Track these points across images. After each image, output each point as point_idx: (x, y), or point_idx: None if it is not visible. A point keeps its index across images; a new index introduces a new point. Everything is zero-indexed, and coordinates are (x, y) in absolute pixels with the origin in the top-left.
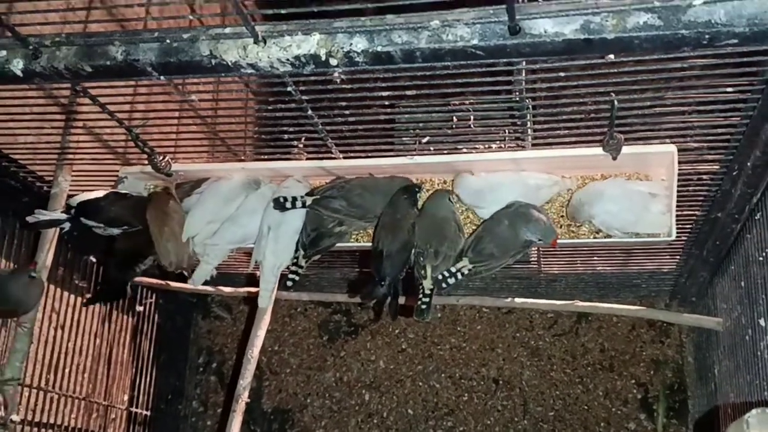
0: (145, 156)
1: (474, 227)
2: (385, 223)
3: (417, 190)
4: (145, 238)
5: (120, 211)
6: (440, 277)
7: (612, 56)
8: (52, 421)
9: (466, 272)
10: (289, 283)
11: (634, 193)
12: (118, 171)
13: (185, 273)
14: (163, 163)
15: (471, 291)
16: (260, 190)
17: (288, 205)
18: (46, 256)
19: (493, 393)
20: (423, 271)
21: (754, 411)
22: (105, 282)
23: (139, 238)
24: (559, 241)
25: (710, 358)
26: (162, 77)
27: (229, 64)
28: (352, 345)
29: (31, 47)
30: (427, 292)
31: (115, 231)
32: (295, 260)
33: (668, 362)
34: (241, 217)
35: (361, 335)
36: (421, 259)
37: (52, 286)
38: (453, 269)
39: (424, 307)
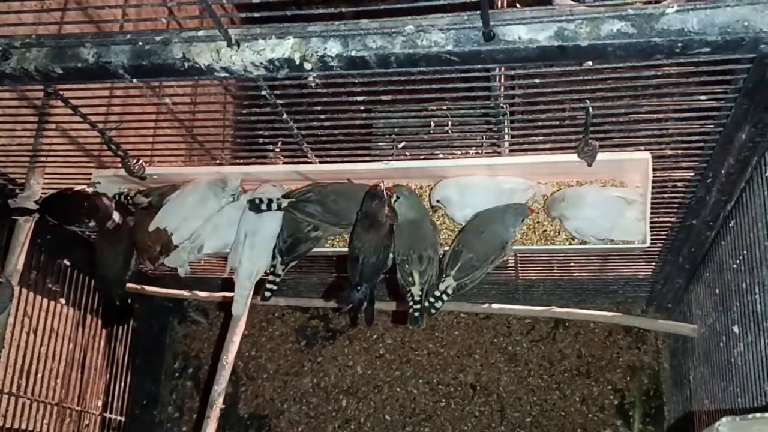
0: (119, 159)
1: (450, 233)
2: (361, 229)
3: (382, 195)
4: (121, 238)
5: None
6: (427, 303)
7: (590, 63)
8: (24, 426)
9: (451, 292)
10: (267, 294)
11: (610, 200)
12: (91, 174)
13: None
14: (137, 167)
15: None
16: (239, 202)
17: (263, 207)
18: (18, 259)
19: (471, 399)
20: (411, 278)
21: (724, 419)
22: (108, 304)
23: (118, 244)
24: (534, 247)
25: (686, 365)
26: (134, 80)
27: (202, 67)
28: (329, 350)
29: (0, 48)
30: (417, 298)
31: (90, 224)
32: (272, 268)
33: (644, 368)
34: (222, 227)
35: (339, 340)
36: (407, 266)
37: (24, 290)
38: (437, 292)
39: (417, 314)
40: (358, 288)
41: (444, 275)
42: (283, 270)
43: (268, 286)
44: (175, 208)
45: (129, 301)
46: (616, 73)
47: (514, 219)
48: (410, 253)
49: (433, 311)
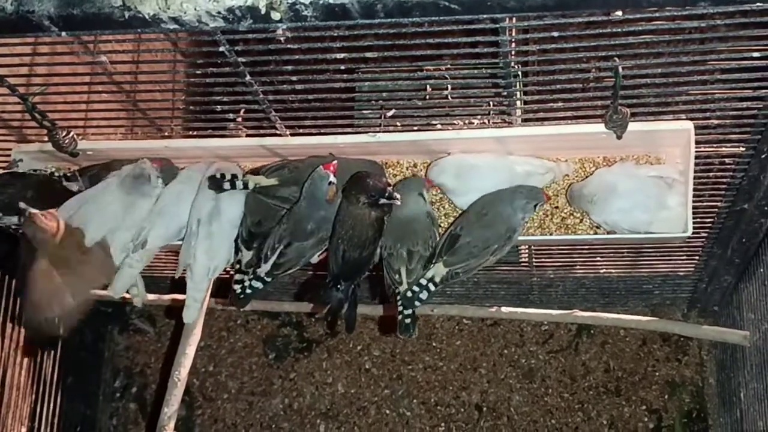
0: (45, 131)
1: (451, 220)
2: (344, 217)
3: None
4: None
5: (18, 194)
6: (409, 294)
7: (620, 13)
8: None
9: (438, 280)
10: (242, 295)
11: (649, 184)
12: (10, 150)
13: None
14: (67, 140)
15: (449, 299)
16: (187, 172)
17: (226, 185)
18: None
19: (476, 422)
20: (397, 276)
21: None
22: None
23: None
24: (551, 237)
25: (735, 380)
26: (63, 33)
27: (147, 17)
28: (304, 365)
29: None
30: (419, 291)
31: (14, 220)
32: (238, 266)
33: (686, 384)
34: (170, 207)
35: (316, 353)
36: (394, 262)
37: None
38: (423, 280)
39: (408, 321)
40: (338, 287)
41: (434, 260)
42: (266, 274)
43: (244, 282)
44: (97, 223)
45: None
46: (652, 24)
47: (524, 203)
48: (397, 247)
49: (417, 303)
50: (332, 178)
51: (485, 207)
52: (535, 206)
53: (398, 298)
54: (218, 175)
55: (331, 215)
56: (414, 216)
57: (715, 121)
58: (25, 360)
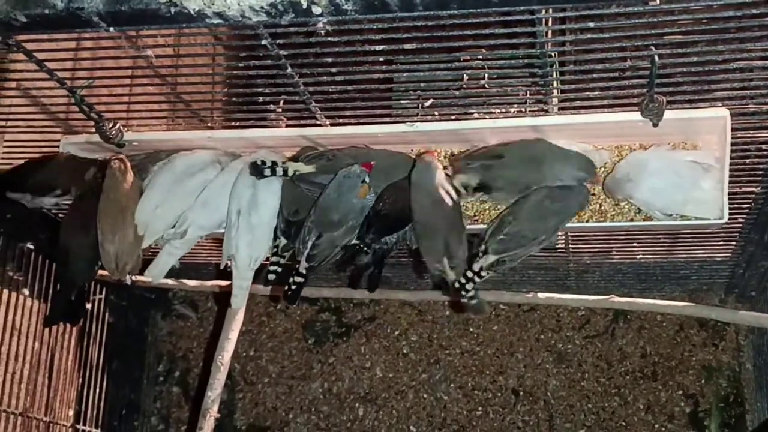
0: (92, 123)
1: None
2: (391, 187)
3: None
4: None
5: (46, 175)
6: (457, 285)
7: (657, 1)
8: None
9: (485, 274)
10: (271, 277)
11: (681, 166)
12: (59, 141)
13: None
14: (113, 132)
15: (485, 284)
16: (229, 168)
17: (267, 171)
18: None
19: (513, 406)
20: (438, 265)
21: None
22: (61, 291)
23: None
24: (587, 224)
25: None
26: (112, 29)
27: (192, 12)
28: (342, 349)
29: None
30: (463, 281)
31: (47, 201)
32: (275, 250)
33: (722, 369)
34: (214, 198)
35: (354, 337)
36: (433, 254)
37: None
38: (470, 273)
39: (474, 302)
40: (366, 250)
41: (483, 250)
42: (306, 269)
43: (272, 268)
44: (149, 198)
45: (85, 298)
46: (689, 13)
47: (580, 202)
48: (433, 238)
49: (464, 293)
50: (367, 178)
51: (549, 199)
52: (588, 176)
53: (450, 283)
54: (259, 162)
55: (358, 206)
56: (439, 198)
57: (753, 108)
58: (72, 345)
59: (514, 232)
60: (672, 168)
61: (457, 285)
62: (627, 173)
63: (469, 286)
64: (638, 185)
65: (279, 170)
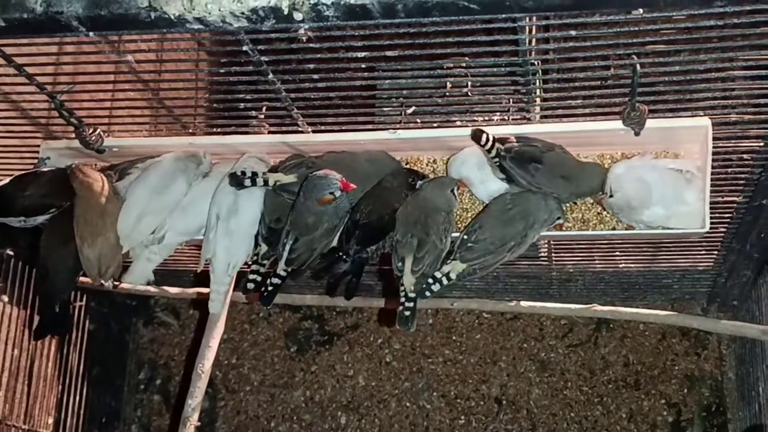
0: (72, 128)
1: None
2: (371, 193)
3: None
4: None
5: (37, 193)
6: (424, 285)
7: (640, 11)
8: None
9: (454, 277)
10: (250, 285)
11: (668, 177)
12: (38, 146)
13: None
14: (93, 137)
15: (468, 293)
16: (213, 174)
17: (247, 182)
18: None
19: (495, 415)
20: (401, 264)
21: None
22: (44, 305)
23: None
24: (569, 233)
25: (755, 374)
26: (91, 33)
27: (172, 18)
28: (325, 358)
29: None
30: (410, 295)
31: (41, 219)
32: (255, 257)
33: (705, 378)
34: (195, 205)
35: (337, 346)
36: (401, 250)
37: None
38: (438, 274)
39: (407, 314)
40: (345, 258)
41: (452, 257)
42: (284, 271)
43: (251, 276)
44: (130, 206)
45: (70, 309)
46: (671, 22)
47: (555, 208)
48: (408, 236)
49: (427, 294)
50: (336, 191)
51: (511, 204)
52: (559, 218)
53: (401, 288)
54: (239, 172)
55: (330, 209)
56: (434, 207)
57: (734, 117)
58: (52, 352)
59: (482, 239)
60: (659, 180)
61: (403, 293)
62: (629, 199)
63: (435, 287)
64: (644, 211)
65: (260, 181)
